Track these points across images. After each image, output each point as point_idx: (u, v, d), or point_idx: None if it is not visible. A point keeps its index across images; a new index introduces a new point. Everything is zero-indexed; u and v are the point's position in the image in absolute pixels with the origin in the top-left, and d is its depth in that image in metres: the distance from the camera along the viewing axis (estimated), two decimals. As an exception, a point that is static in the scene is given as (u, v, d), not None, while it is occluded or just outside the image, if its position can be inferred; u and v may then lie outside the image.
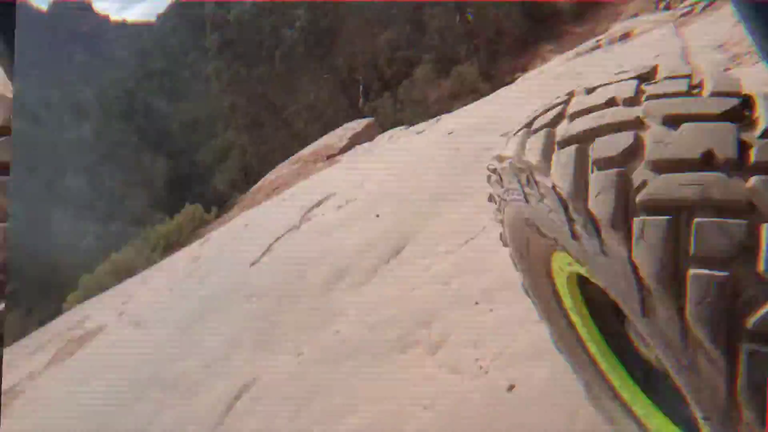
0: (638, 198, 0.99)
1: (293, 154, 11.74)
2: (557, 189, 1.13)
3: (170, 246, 11.17)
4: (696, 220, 0.90)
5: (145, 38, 27.78)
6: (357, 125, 10.94)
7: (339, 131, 11.04)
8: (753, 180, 0.90)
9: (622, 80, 1.27)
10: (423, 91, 20.59)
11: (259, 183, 11.48)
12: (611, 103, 1.21)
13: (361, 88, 13.77)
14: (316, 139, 11.55)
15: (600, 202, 1.03)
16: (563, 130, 1.23)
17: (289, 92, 12.37)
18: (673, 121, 1.06)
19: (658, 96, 1.15)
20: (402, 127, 10.20)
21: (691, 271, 0.88)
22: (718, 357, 0.83)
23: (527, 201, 1.33)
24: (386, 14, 18.14)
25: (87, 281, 11.27)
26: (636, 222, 0.97)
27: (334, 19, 12.97)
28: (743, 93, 1.04)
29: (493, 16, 22.11)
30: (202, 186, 16.18)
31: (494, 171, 1.49)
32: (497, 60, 22.06)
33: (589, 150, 1.12)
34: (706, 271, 0.86)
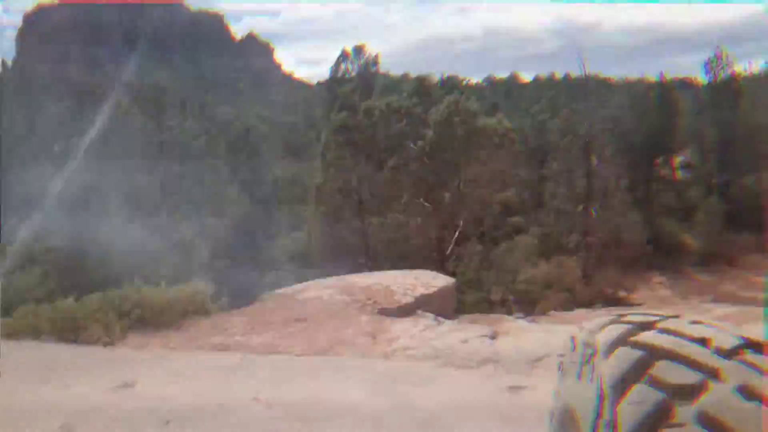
0: None
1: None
2: (604, 376, 1.20)
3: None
4: None
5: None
6: (435, 279, 9.21)
7: (410, 275, 9.35)
8: None
9: (727, 332, 1.27)
10: (516, 261, 18.81)
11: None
12: (703, 342, 1.22)
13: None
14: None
15: (630, 411, 1.08)
16: (645, 335, 1.26)
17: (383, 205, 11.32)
18: (746, 394, 1.08)
19: (748, 364, 1.15)
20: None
21: None
22: None
23: (579, 377, 1.37)
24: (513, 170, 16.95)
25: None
26: None
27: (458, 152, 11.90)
28: None
29: (618, 223, 20.48)
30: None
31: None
32: (602, 266, 20.19)
33: (654, 364, 1.15)
34: None
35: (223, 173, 18.48)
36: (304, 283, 8.87)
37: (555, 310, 14.44)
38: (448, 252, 12.69)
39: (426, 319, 7.00)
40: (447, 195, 11.81)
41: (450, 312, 9.09)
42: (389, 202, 12.19)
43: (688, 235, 25.48)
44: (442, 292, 8.64)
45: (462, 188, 11.99)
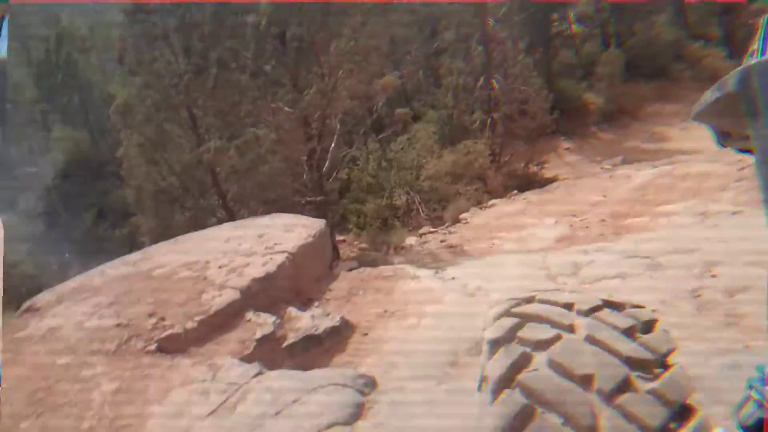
0: (520, 377, 1.32)
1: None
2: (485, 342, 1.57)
3: None
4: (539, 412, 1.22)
5: None
6: (289, 233, 5.92)
7: (251, 231, 5.95)
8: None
9: (592, 297, 1.62)
10: (417, 156, 15.74)
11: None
12: (568, 306, 1.56)
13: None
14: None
15: (495, 365, 1.41)
16: (525, 307, 1.68)
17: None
18: (592, 341, 1.38)
19: (600, 320, 1.44)
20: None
21: None
22: None
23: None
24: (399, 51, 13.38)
25: None
26: (507, 392, 1.31)
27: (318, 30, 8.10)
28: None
29: (520, 92, 17.66)
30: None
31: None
32: (509, 144, 17.62)
33: (523, 327, 1.50)
34: None
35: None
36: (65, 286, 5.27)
37: (466, 212, 11.86)
38: (325, 168, 9.26)
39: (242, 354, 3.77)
40: (308, 93, 8.18)
41: (321, 270, 5.91)
42: (227, 116, 8.43)
43: (590, 94, 23.51)
44: (299, 256, 5.33)
45: (327, 78, 8.36)
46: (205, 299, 4.33)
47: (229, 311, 4.26)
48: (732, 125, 1.29)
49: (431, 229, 10.54)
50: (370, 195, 15.74)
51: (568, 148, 21.99)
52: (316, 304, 5.20)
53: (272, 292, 4.70)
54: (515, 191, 14.40)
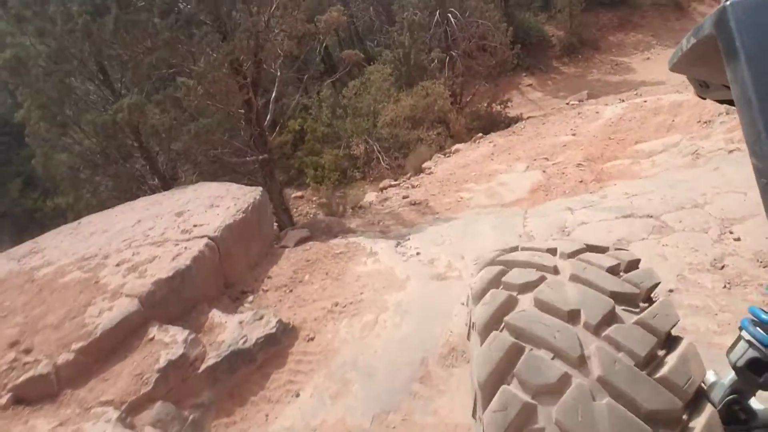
0: (506, 318, 1.26)
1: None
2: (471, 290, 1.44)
3: None
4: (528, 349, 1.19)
5: None
6: (217, 207, 4.73)
7: (170, 210, 4.72)
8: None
9: (574, 242, 1.53)
10: (374, 101, 14.40)
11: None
12: (552, 251, 1.50)
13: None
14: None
15: (481, 310, 1.32)
16: (509, 255, 1.55)
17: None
18: (575, 280, 1.35)
19: (584, 261, 1.42)
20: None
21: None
22: None
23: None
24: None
25: None
26: (493, 333, 1.24)
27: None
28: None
29: (478, 27, 16.24)
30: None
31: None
32: (469, 83, 16.34)
33: (507, 273, 1.44)
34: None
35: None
36: None
37: (429, 161, 10.67)
38: (267, 121, 7.95)
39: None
40: (234, 33, 6.79)
41: (259, 250, 4.77)
42: (141, 67, 6.89)
43: (550, 26, 22.25)
44: (226, 239, 4.14)
45: (256, 14, 6.96)
46: (90, 315, 3.16)
47: (122, 330, 3.12)
48: (710, 74, 1.23)
49: (392, 182, 9.43)
50: (327, 146, 14.40)
51: (530, 85, 20.89)
52: (251, 298, 4.09)
53: (187, 294, 3.57)
54: (479, 134, 13.31)
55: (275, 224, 8.76)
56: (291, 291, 4.18)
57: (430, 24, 16.61)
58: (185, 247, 3.89)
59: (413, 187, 8.56)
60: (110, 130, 7.38)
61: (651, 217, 4.17)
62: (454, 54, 15.98)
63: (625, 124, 10.93)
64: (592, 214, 4.58)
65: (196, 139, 6.70)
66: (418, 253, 4.46)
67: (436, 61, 15.87)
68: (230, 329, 3.40)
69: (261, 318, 3.50)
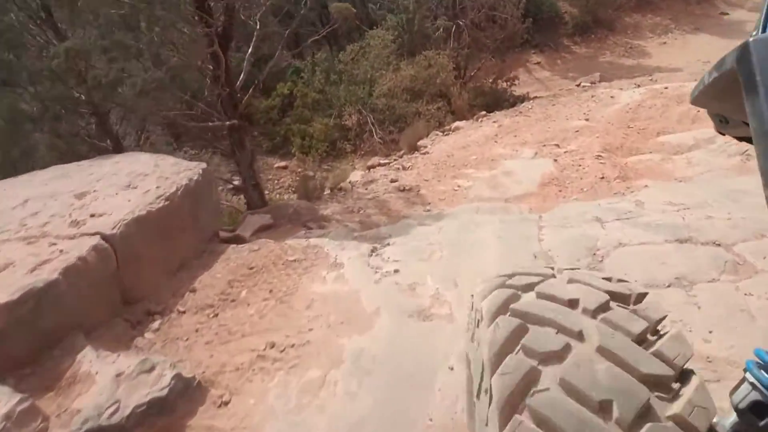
0: (528, 401, 1.10)
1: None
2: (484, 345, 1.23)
3: None
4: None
5: None
6: (132, 190, 3.41)
7: (74, 194, 3.40)
8: None
9: (596, 289, 1.30)
10: (371, 68, 12.97)
11: None
12: (572, 304, 1.27)
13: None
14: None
15: (502, 381, 1.12)
16: (523, 301, 1.32)
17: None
18: (604, 354, 1.13)
19: (612, 326, 1.19)
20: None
21: None
22: None
23: (472, 340, 1.45)
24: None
25: None
26: (515, 418, 1.08)
27: None
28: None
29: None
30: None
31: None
32: (475, 56, 14.86)
33: (527, 331, 1.20)
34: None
35: None
36: None
37: (425, 138, 9.33)
38: (240, 82, 6.62)
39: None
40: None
41: (187, 250, 3.51)
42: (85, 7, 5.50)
43: (563, 2, 20.56)
44: (131, 237, 2.83)
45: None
46: None
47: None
48: (730, 110, 1.20)
49: (381, 161, 8.13)
50: (317, 113, 12.99)
51: (538, 63, 19.35)
52: (157, 323, 2.87)
53: (46, 323, 2.36)
54: (483, 112, 11.96)
55: (245, 203, 7.46)
56: (216, 315, 2.95)
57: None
58: (61, 250, 2.64)
59: (404, 168, 7.27)
60: (47, 80, 6.04)
61: (718, 245, 2.94)
62: (461, 23, 14.44)
63: (644, 112, 9.62)
64: (631, 231, 3.35)
65: (142, 96, 5.37)
66: (396, 271, 3.23)
67: (441, 29, 14.36)
68: (99, 388, 2.18)
69: (151, 369, 2.29)
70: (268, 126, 12.55)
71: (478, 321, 1.35)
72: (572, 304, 1.25)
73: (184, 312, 2.97)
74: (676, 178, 5.06)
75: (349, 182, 7.36)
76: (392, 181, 6.53)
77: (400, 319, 2.70)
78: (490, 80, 14.74)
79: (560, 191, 5.64)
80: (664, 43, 19.30)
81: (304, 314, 2.85)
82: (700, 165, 5.40)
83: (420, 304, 2.82)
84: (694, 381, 1.13)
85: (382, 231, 4.26)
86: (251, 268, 3.40)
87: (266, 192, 8.45)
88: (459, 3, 14.91)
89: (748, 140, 1.20)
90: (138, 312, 2.92)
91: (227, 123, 6.46)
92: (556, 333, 1.17)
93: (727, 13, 20.92)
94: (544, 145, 8.20)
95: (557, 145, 8.13)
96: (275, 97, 12.74)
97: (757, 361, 1.12)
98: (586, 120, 9.66)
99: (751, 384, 1.10)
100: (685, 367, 1.15)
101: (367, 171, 7.73)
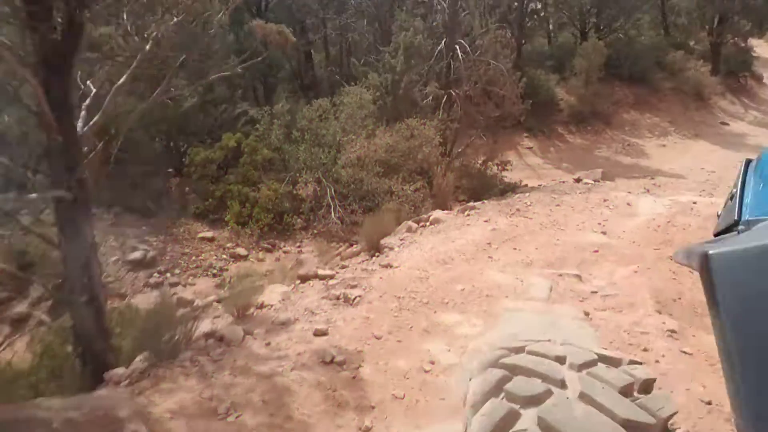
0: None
1: None
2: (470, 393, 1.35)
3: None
4: None
5: None
6: None
7: None
8: None
9: (585, 350, 1.41)
10: (341, 130, 10.31)
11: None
12: (560, 360, 1.32)
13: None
14: None
15: (481, 421, 1.18)
16: (514, 357, 1.37)
17: None
18: (584, 399, 1.16)
19: (593, 376, 1.23)
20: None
21: None
22: None
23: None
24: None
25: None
26: None
27: None
28: None
29: (488, 69, 12.35)
30: None
31: None
32: (464, 132, 12.46)
33: (510, 381, 1.26)
34: None
35: None
36: None
37: (392, 237, 6.55)
38: (81, 125, 3.57)
39: None
40: None
41: None
42: None
43: (561, 89, 18.70)
44: None
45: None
46: None
47: None
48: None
49: (321, 271, 5.13)
50: (268, 175, 10.20)
51: (530, 148, 17.14)
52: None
53: None
54: (470, 202, 9.28)
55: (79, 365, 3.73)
56: None
57: (431, 53, 12.73)
58: None
59: (348, 297, 4.35)
60: None
61: None
62: (453, 93, 12.05)
63: (678, 234, 7.05)
64: None
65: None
66: None
67: (430, 98, 11.94)
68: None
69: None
70: (203, 183, 9.65)
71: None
72: (560, 360, 1.33)
73: None
74: None
75: (270, 304, 4.36)
76: (317, 334, 3.58)
77: None
78: (480, 161, 12.27)
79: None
80: (664, 145, 17.42)
81: None
82: None
83: None
84: None
85: None
86: None
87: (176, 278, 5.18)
88: (454, 72, 12.67)
89: None
90: None
91: (51, 194, 3.55)
92: (540, 381, 1.19)
93: (728, 124, 19.40)
94: (560, 274, 5.46)
95: (578, 277, 5.39)
96: (218, 150, 9.93)
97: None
98: (603, 233, 7.03)
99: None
100: (671, 424, 1.12)
101: (293, 287, 4.77)
